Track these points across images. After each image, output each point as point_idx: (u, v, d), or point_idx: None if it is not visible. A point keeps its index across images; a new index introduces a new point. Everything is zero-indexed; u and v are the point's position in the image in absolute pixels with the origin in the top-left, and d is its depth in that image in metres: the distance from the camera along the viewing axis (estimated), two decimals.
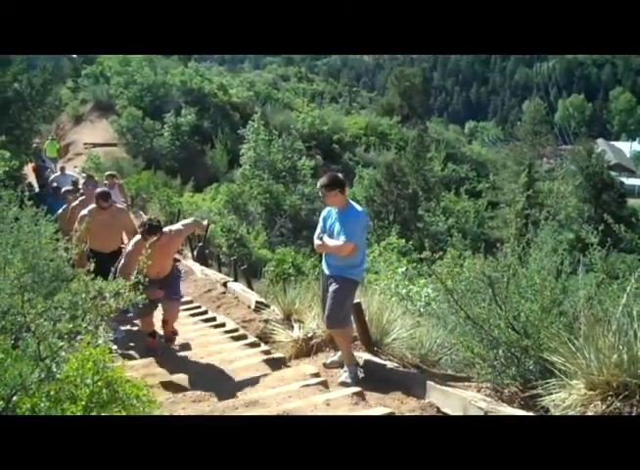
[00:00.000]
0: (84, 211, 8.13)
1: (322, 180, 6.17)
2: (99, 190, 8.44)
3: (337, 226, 6.07)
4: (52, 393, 2.78)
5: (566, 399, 3.99)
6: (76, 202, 9.70)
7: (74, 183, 16.84)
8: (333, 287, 6.05)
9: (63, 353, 2.81)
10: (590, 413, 3.73)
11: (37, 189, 20.16)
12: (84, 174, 25.68)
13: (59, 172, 20.09)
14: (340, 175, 6.32)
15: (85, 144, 37.01)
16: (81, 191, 11.47)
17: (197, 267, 13.87)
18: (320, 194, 6.25)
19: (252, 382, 6.18)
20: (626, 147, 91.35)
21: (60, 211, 9.91)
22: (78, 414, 2.80)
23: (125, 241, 8.51)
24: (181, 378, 6.34)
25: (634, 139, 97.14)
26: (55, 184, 18.16)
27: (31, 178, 22.43)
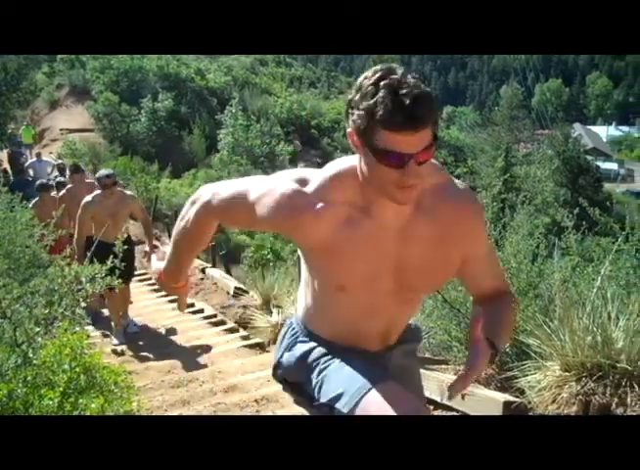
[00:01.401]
0: (88, 198, 7.34)
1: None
2: (103, 171, 7.49)
3: None
4: (29, 378, 2.78)
5: (541, 380, 4.04)
6: (63, 191, 8.93)
7: (61, 169, 16.51)
8: None
9: (39, 339, 2.81)
10: (565, 394, 3.79)
11: (12, 177, 19.91)
12: (60, 161, 25.47)
13: (34, 158, 19.93)
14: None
15: (61, 130, 36.56)
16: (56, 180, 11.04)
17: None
18: None
19: (231, 367, 6.20)
20: (603, 131, 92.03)
21: (33, 201, 9.37)
22: (56, 402, 2.80)
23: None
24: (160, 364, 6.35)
25: (610, 124, 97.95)
26: (31, 171, 18.00)
27: (6, 165, 22.20)
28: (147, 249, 7.99)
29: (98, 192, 7.32)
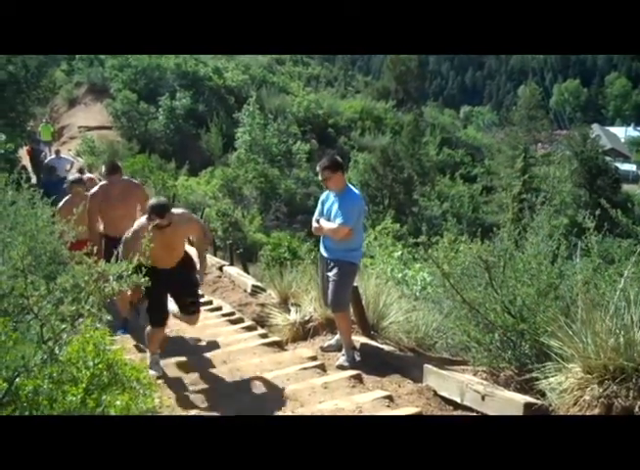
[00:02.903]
0: (94, 189, 7.36)
1: (325, 162, 6.16)
2: (108, 163, 7.54)
3: (334, 209, 6.09)
4: (54, 375, 2.80)
5: (562, 382, 4.02)
6: (96, 188, 7.82)
7: (81, 170, 16.43)
8: (334, 271, 6.07)
9: (65, 336, 2.82)
10: (587, 397, 3.77)
11: (32, 174, 20.00)
12: (79, 158, 25.61)
13: (54, 155, 20.05)
14: (338, 157, 6.35)
15: (79, 127, 36.82)
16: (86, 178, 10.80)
17: (192, 251, 13.85)
18: (321, 177, 6.19)
19: (250, 365, 6.20)
20: (621, 132, 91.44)
21: (65, 199, 8.59)
22: (79, 398, 2.82)
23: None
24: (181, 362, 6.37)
25: (629, 124, 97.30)
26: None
27: (25, 161, 22.37)
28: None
29: (104, 183, 7.44)
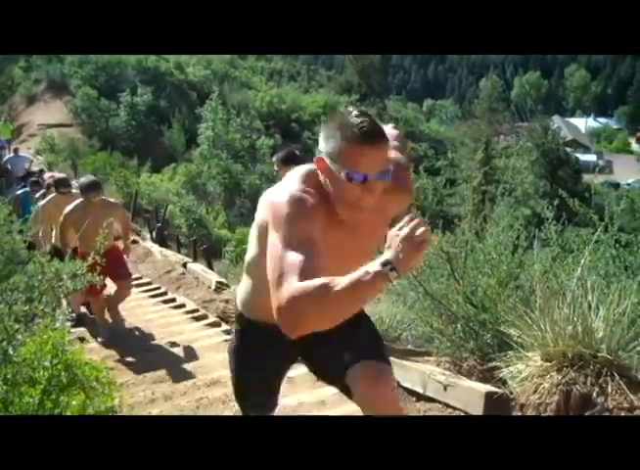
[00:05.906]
0: (69, 207, 6.96)
1: (279, 154, 6.15)
2: (83, 179, 7.11)
3: None
4: (9, 376, 2.75)
5: (522, 370, 4.06)
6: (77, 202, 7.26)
7: (40, 172, 16.13)
8: None
9: (19, 336, 2.78)
10: (546, 384, 3.81)
11: None
12: (39, 156, 25.25)
13: (12, 154, 19.74)
14: (296, 152, 6.28)
15: (39, 125, 36.33)
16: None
17: (156, 249, 13.75)
18: (275, 167, 6.13)
19: (214, 362, 6.18)
20: (581, 123, 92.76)
21: (51, 196, 8.35)
22: (37, 399, 2.78)
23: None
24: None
25: (589, 115, 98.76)
26: (9, 166, 17.82)
27: None
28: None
29: (80, 200, 6.99)
